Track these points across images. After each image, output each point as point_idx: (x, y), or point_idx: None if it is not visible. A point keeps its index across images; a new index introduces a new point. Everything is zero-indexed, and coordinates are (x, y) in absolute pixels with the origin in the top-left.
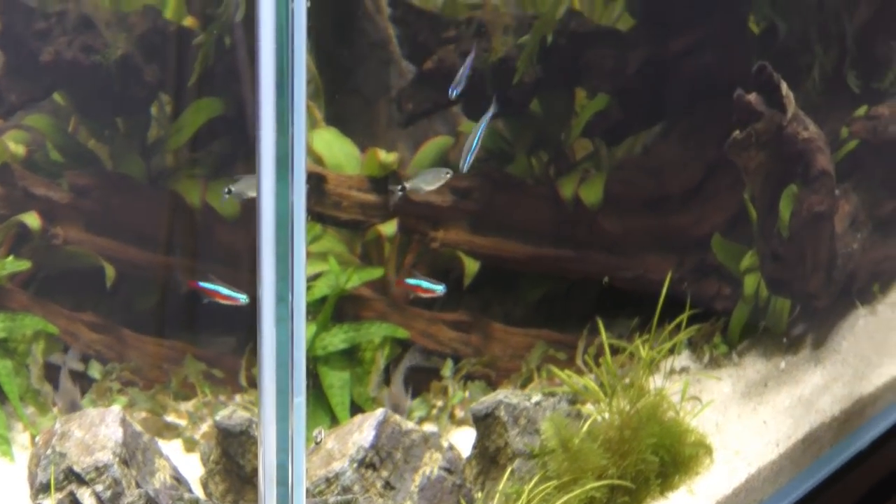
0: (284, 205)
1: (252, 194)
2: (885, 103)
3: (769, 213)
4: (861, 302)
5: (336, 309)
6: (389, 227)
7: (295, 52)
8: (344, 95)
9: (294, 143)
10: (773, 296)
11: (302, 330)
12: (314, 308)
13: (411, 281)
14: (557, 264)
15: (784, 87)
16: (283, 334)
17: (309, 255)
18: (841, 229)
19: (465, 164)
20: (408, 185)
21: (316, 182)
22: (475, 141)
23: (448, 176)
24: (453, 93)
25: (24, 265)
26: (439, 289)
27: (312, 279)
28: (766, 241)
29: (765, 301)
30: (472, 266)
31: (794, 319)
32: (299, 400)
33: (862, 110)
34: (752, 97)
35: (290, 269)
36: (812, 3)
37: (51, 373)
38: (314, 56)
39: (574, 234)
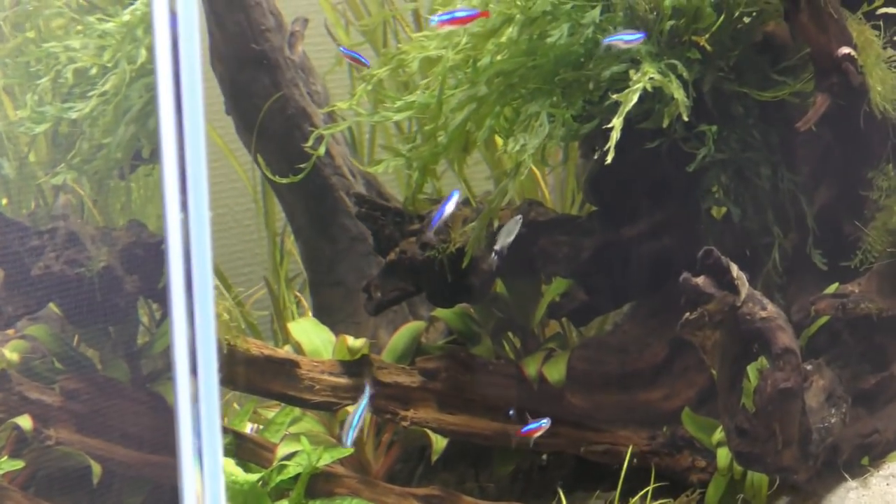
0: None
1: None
2: (855, 281)
3: (731, 389)
4: (850, 475)
5: (309, 486)
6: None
7: (196, 264)
8: (328, 287)
9: (198, 339)
10: (745, 469)
11: None
12: (288, 485)
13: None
14: (526, 439)
15: (734, 269)
16: None
17: (286, 436)
18: (816, 404)
19: (349, 438)
20: (497, 247)
21: (289, 367)
22: (357, 415)
23: (520, 221)
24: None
25: (18, 465)
26: (543, 422)
27: (287, 458)
28: (730, 416)
29: (741, 474)
30: (439, 443)
31: (774, 492)
32: None
33: (832, 288)
34: (701, 280)
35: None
36: (766, 189)
37: None
38: (300, 252)
39: (541, 410)
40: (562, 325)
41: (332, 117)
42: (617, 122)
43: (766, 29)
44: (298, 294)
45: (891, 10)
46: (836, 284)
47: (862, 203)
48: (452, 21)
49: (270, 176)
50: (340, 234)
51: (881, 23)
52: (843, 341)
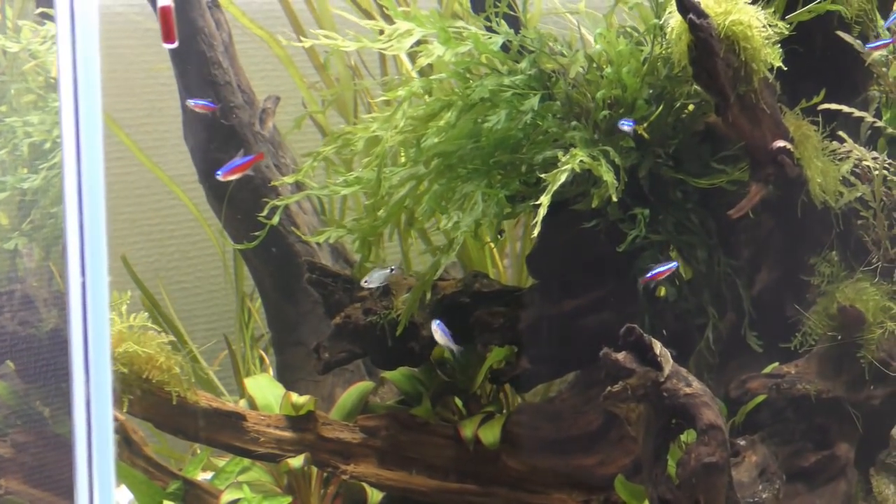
0: None
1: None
2: (793, 362)
3: (656, 460)
4: None
5: None
6: (297, 461)
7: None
8: (291, 347)
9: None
10: None
11: None
12: None
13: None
14: (462, 498)
15: (657, 346)
16: None
17: (232, 484)
18: (748, 478)
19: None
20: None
21: (236, 420)
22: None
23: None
24: None
25: None
26: (674, 264)
27: None
28: (653, 485)
29: None
30: (374, 497)
31: None
32: None
33: (770, 368)
34: (622, 356)
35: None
36: (703, 271)
37: None
38: (266, 313)
39: (477, 471)
40: (504, 391)
41: (299, 188)
42: (544, 201)
43: (707, 119)
44: (262, 352)
45: (832, 105)
46: (776, 364)
47: (804, 287)
48: (233, 170)
49: (231, 244)
50: (303, 298)
51: (819, 118)
52: (784, 419)
